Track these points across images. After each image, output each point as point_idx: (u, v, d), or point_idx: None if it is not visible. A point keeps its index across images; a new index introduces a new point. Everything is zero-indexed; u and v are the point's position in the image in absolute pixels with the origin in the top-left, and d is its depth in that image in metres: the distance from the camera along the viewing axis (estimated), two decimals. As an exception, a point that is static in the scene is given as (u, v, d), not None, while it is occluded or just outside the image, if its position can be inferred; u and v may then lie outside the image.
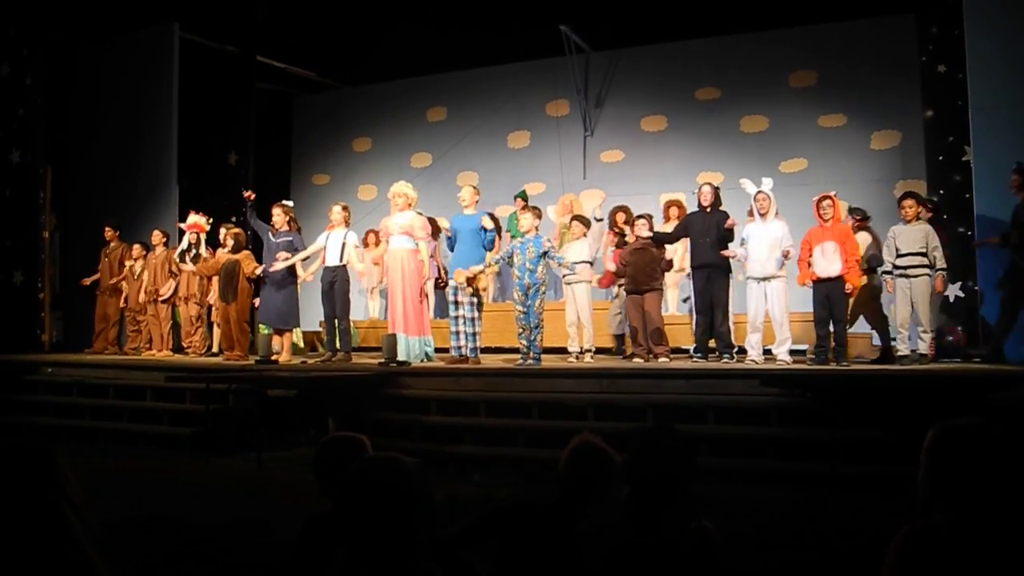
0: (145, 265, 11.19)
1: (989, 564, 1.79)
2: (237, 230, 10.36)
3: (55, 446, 1.59)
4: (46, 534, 1.46)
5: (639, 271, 8.73)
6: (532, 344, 8.31)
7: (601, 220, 10.71)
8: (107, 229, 11.62)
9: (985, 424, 1.98)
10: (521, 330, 8.35)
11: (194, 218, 10.93)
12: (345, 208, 9.69)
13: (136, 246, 11.35)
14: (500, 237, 9.57)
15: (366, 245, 11.76)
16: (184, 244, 10.90)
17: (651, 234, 8.92)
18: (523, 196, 11.17)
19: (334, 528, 2.45)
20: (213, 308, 10.80)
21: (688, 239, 9.05)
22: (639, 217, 9.12)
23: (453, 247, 8.86)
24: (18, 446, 1.57)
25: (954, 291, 9.18)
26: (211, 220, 10.93)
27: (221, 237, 10.48)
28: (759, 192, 8.49)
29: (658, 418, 6.66)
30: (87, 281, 11.56)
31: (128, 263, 11.34)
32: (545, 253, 8.30)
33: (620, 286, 9.38)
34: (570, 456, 2.59)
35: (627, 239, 9.17)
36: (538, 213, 8.70)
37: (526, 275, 8.26)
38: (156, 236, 11.15)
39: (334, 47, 14.20)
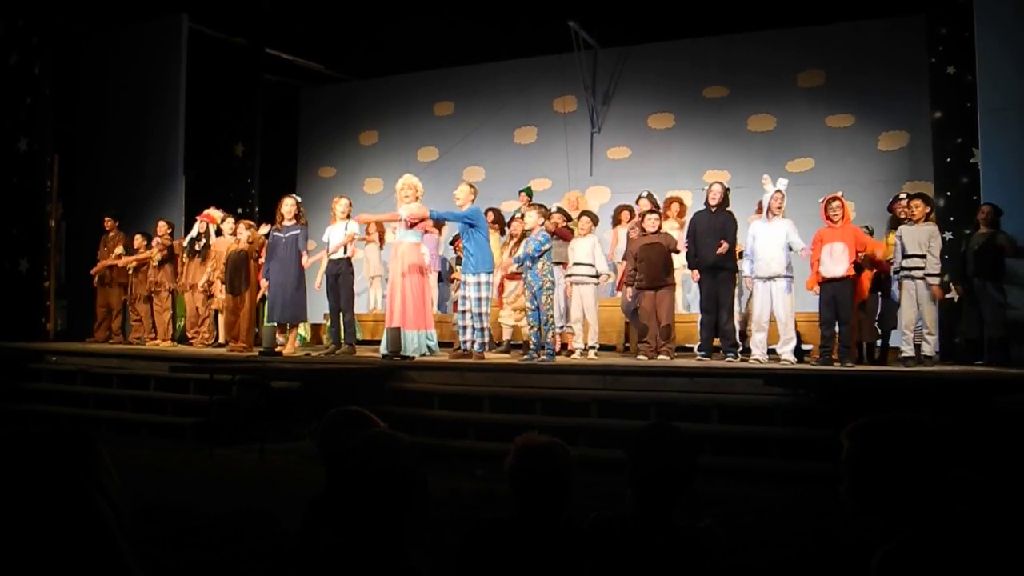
0: (147, 255, 11.24)
1: None
2: (250, 220, 10.34)
3: (97, 436, 1.57)
4: (78, 527, 1.44)
5: (652, 267, 8.69)
6: (545, 341, 8.29)
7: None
8: (106, 220, 11.63)
9: (914, 418, 1.84)
10: (530, 327, 8.35)
11: (213, 211, 10.96)
12: (350, 204, 9.71)
13: (137, 236, 11.38)
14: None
15: (368, 235, 11.75)
16: (194, 232, 10.91)
17: (656, 230, 8.90)
18: (528, 192, 11.18)
19: (334, 510, 2.44)
20: (215, 298, 10.79)
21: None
22: (649, 212, 9.08)
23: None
24: (55, 434, 1.55)
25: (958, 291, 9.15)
26: (226, 217, 10.89)
27: (230, 228, 10.48)
28: (776, 192, 8.48)
29: (662, 416, 6.66)
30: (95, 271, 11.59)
31: (118, 250, 11.36)
32: (543, 253, 8.27)
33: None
34: (516, 457, 2.37)
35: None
36: (545, 212, 8.66)
37: (527, 273, 8.25)
38: (161, 227, 11.16)
39: (342, 40, 14.20)
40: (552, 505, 2.34)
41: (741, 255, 8.85)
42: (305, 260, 9.60)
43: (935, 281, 8.09)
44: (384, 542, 1.77)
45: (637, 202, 9.90)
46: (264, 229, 10.10)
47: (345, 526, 1.81)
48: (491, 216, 10.38)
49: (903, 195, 8.94)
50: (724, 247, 8.38)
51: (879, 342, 8.99)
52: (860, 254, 8.27)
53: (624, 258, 9.46)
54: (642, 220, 9.07)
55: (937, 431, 1.81)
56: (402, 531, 1.79)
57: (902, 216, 8.66)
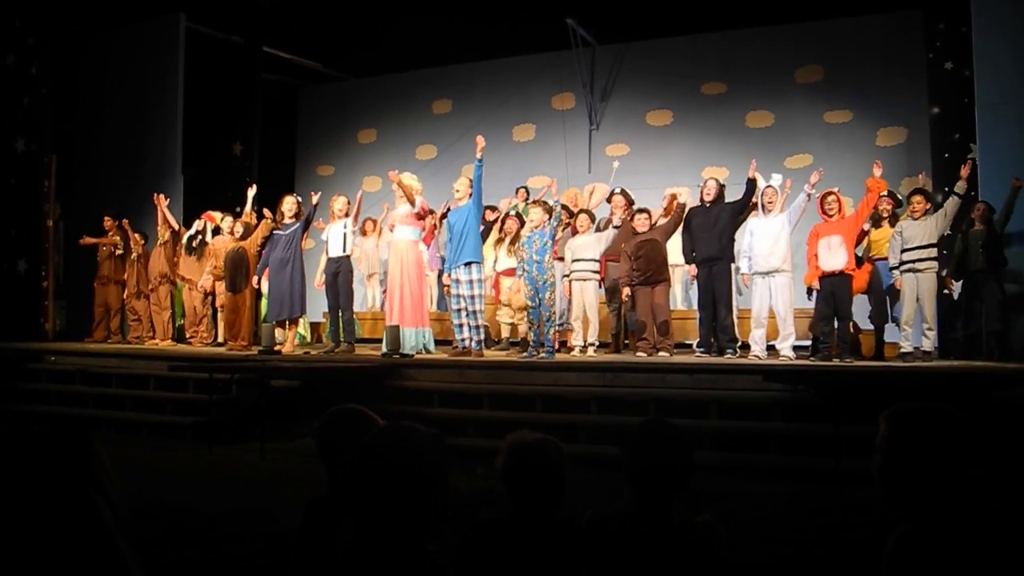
0: (144, 254, 11.24)
1: (981, 565, 1.76)
2: (247, 220, 10.36)
3: (95, 435, 1.57)
4: (76, 526, 1.44)
5: (650, 263, 8.70)
6: (545, 338, 8.30)
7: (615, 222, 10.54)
8: (106, 219, 11.63)
9: (948, 410, 1.89)
10: (530, 324, 8.35)
11: (214, 213, 10.99)
12: (348, 201, 9.71)
13: (135, 235, 11.37)
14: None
15: (364, 233, 11.77)
16: (192, 230, 10.92)
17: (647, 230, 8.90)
18: (525, 189, 11.18)
19: (335, 509, 2.43)
20: (216, 296, 10.79)
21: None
22: (639, 211, 9.10)
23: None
24: (54, 434, 1.55)
25: (958, 288, 9.15)
26: (225, 217, 10.89)
27: (228, 226, 10.48)
28: (768, 187, 8.47)
29: (661, 412, 6.66)
30: (88, 240, 11.59)
31: (109, 247, 11.38)
32: (549, 242, 8.28)
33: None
34: (507, 456, 2.33)
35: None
36: (547, 208, 8.67)
37: (534, 267, 8.25)
38: (161, 225, 11.14)
39: (340, 39, 14.19)
40: (547, 503, 2.32)
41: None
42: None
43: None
44: (402, 541, 1.75)
45: (610, 200, 9.88)
46: (251, 192, 10.31)
47: (361, 525, 1.78)
48: (489, 214, 10.38)
49: (884, 191, 8.94)
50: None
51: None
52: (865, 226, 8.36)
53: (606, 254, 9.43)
54: (632, 219, 9.07)
55: (970, 424, 1.87)
56: (422, 529, 1.77)
57: (884, 214, 8.67)
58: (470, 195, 8.75)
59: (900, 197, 8.85)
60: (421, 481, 1.75)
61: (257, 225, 10.11)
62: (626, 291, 8.93)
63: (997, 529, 1.77)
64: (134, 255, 11.32)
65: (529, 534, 2.30)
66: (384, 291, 10.59)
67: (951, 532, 1.78)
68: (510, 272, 9.69)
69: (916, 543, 1.79)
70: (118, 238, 11.38)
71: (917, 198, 8.33)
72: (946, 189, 9.94)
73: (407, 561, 1.73)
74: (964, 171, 8.22)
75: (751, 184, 8.58)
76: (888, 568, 1.80)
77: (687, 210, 8.98)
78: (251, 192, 10.41)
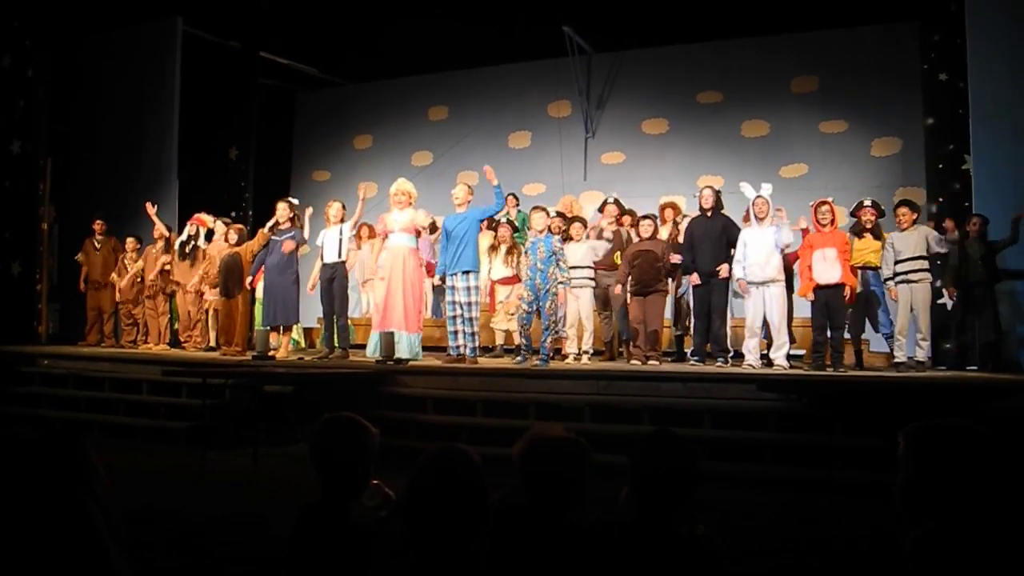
0: (142, 258, 11.20)
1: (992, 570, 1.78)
2: (240, 225, 10.36)
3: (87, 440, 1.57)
4: (67, 529, 1.44)
5: (646, 272, 8.69)
6: (541, 346, 8.29)
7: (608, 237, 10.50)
8: (97, 222, 11.60)
9: (968, 426, 1.91)
10: (521, 328, 8.34)
11: (204, 216, 10.98)
12: (343, 207, 9.70)
13: (130, 240, 11.35)
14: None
15: (359, 238, 11.75)
16: (184, 236, 10.90)
17: (650, 236, 8.90)
18: (515, 196, 11.18)
19: (328, 516, 2.46)
20: (207, 301, 10.77)
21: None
22: (643, 218, 9.10)
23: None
24: (47, 440, 1.55)
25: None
26: (217, 220, 10.88)
27: (221, 233, 10.47)
28: (758, 197, 8.49)
29: (655, 421, 6.66)
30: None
31: (138, 265, 11.33)
32: (554, 254, 8.29)
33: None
34: (529, 453, 2.40)
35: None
36: (549, 214, 8.69)
37: (536, 275, 8.24)
38: (155, 231, 11.13)
39: (337, 44, 14.20)
40: (556, 502, 2.34)
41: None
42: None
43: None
44: (465, 541, 1.97)
45: (602, 209, 9.86)
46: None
47: (421, 531, 2.00)
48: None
49: (867, 201, 8.94)
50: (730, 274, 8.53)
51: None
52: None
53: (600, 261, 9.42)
54: (637, 225, 9.08)
55: (992, 440, 1.88)
56: (478, 531, 2.01)
57: (867, 224, 8.67)
58: (469, 202, 8.74)
59: (883, 208, 8.86)
60: (482, 493, 2.05)
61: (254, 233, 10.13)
62: (618, 288, 8.85)
63: (1012, 529, 1.79)
64: (130, 257, 11.30)
65: (529, 528, 2.32)
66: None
67: (969, 533, 1.81)
68: (505, 281, 9.70)
69: (936, 544, 1.82)
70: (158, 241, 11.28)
71: (903, 210, 8.36)
72: (940, 200, 9.99)
73: (467, 557, 1.95)
74: (950, 224, 8.27)
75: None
76: (912, 569, 1.82)
77: (688, 221, 8.99)
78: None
